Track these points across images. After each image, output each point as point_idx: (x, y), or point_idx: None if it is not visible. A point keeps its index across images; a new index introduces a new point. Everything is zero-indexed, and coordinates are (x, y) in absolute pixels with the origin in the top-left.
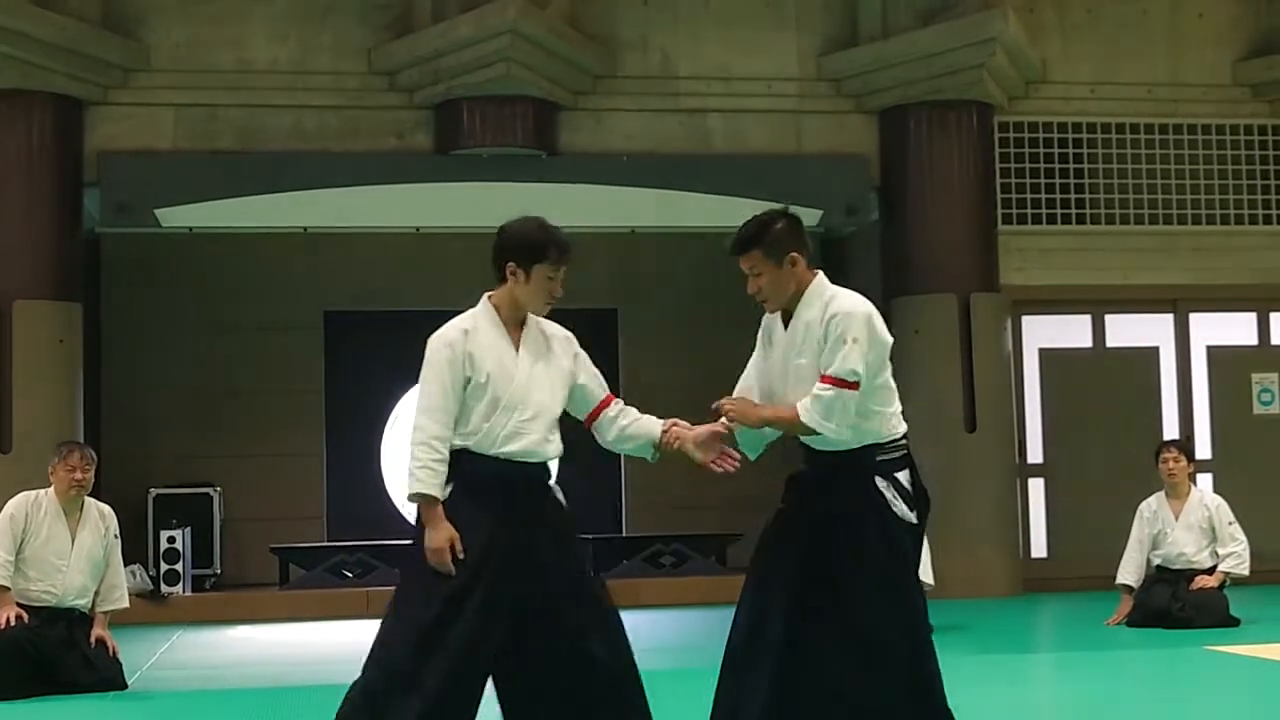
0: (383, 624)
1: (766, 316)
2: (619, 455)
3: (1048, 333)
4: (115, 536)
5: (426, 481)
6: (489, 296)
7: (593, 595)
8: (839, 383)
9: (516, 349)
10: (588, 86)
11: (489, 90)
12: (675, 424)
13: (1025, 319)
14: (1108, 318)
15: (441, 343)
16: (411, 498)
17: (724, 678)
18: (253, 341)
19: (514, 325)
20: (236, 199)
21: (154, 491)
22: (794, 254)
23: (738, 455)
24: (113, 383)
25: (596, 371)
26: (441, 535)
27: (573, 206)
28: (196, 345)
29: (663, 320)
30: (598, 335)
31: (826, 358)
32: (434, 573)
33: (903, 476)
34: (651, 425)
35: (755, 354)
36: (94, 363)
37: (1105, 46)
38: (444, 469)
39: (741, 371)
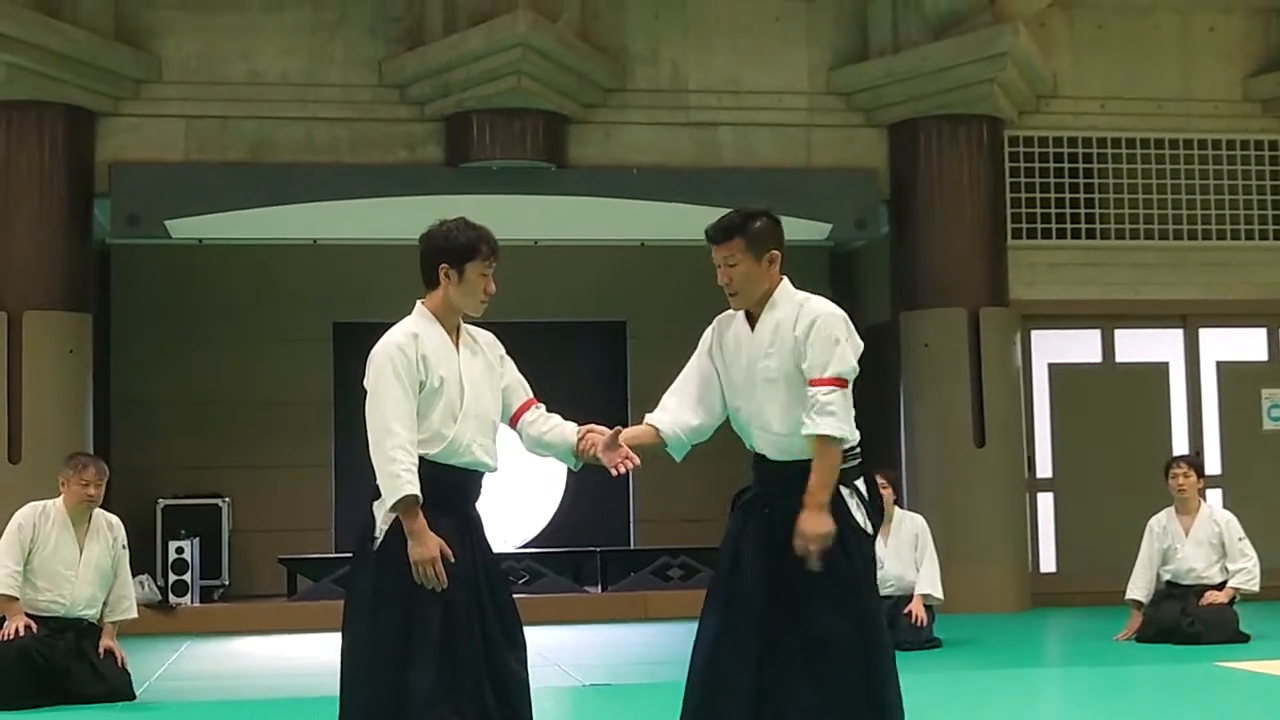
0: (363, 652)
1: (719, 319)
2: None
3: (1057, 347)
4: (123, 547)
5: (415, 484)
6: (423, 303)
7: (510, 608)
8: (839, 382)
9: (458, 354)
10: (598, 99)
11: (499, 103)
12: (591, 430)
13: (1034, 333)
14: (1117, 333)
15: (392, 347)
16: (398, 504)
17: (692, 704)
18: (262, 353)
19: (451, 330)
20: (247, 211)
21: (162, 502)
22: (774, 251)
23: (636, 457)
24: (122, 393)
25: (520, 375)
26: (433, 544)
27: (582, 219)
28: (206, 356)
29: (672, 332)
30: (607, 347)
31: (818, 358)
32: (409, 591)
33: (860, 485)
34: (568, 433)
35: (698, 359)
36: (104, 373)
37: (1116, 61)
38: (415, 471)
39: None
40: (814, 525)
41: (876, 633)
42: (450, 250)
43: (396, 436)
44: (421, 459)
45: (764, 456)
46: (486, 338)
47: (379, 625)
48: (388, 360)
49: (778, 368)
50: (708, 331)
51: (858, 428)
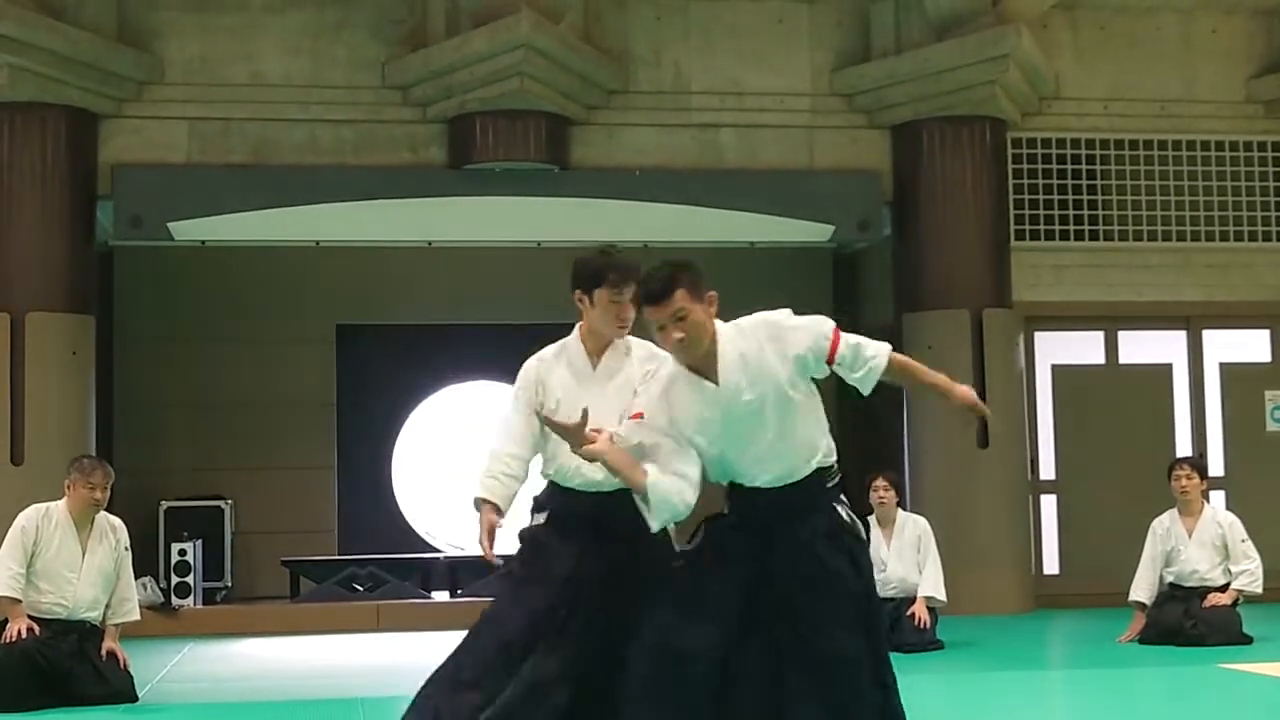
0: (472, 631)
1: (660, 397)
2: None
3: (1060, 349)
4: (126, 549)
5: (482, 485)
6: (578, 326)
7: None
8: (837, 331)
9: (594, 373)
10: (600, 101)
11: (502, 105)
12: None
13: (1038, 335)
14: (1121, 334)
15: (524, 368)
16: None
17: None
18: (265, 354)
19: (596, 352)
20: (249, 212)
21: (165, 504)
22: (711, 292)
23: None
24: (125, 395)
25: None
26: (481, 527)
27: (585, 221)
28: (208, 358)
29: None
30: None
31: (810, 338)
32: (526, 589)
33: (844, 498)
34: None
35: (655, 416)
36: (106, 375)
37: (1118, 62)
38: (506, 480)
39: None
40: (965, 391)
41: (883, 643)
42: (581, 277)
43: (492, 444)
44: (550, 481)
45: (757, 489)
46: (643, 351)
47: (493, 605)
48: (519, 377)
49: (760, 395)
50: (654, 415)
51: (848, 438)
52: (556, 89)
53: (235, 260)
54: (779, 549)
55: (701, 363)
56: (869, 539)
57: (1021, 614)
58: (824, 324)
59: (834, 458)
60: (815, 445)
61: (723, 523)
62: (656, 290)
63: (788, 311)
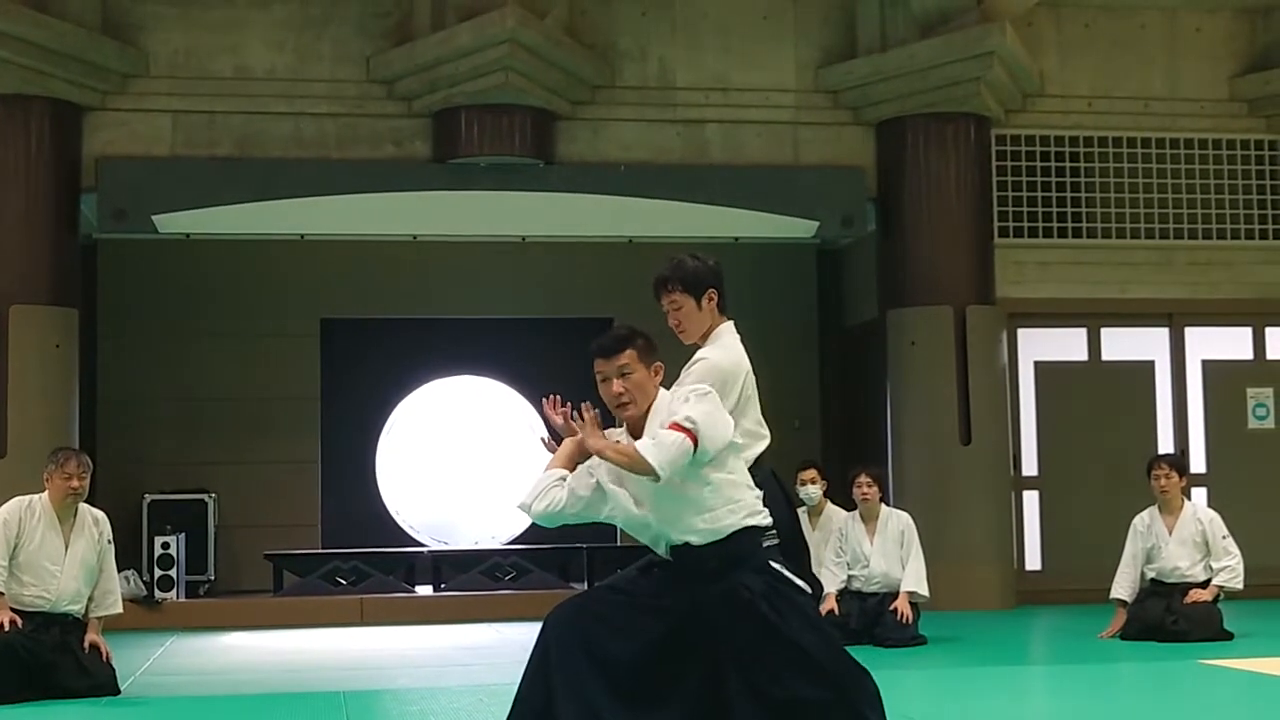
0: None
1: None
2: None
3: (1043, 346)
4: (109, 542)
5: None
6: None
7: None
8: (677, 428)
9: None
10: (586, 96)
11: (487, 99)
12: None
13: (1021, 332)
14: (1103, 331)
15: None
16: None
17: None
18: (249, 348)
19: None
20: (234, 206)
21: (149, 497)
22: (659, 363)
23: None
24: (108, 388)
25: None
26: None
27: (570, 216)
28: (192, 351)
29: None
30: None
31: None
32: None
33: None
34: None
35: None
36: (90, 368)
37: (1102, 60)
38: None
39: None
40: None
41: (849, 674)
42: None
43: None
44: None
45: (684, 546)
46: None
47: None
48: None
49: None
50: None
51: (833, 434)
52: (542, 84)
53: (219, 253)
54: (724, 612)
55: (637, 426)
56: (793, 521)
57: (1004, 610)
58: (676, 413)
59: (759, 520)
60: (729, 506)
61: (658, 575)
62: (609, 345)
63: (704, 386)
